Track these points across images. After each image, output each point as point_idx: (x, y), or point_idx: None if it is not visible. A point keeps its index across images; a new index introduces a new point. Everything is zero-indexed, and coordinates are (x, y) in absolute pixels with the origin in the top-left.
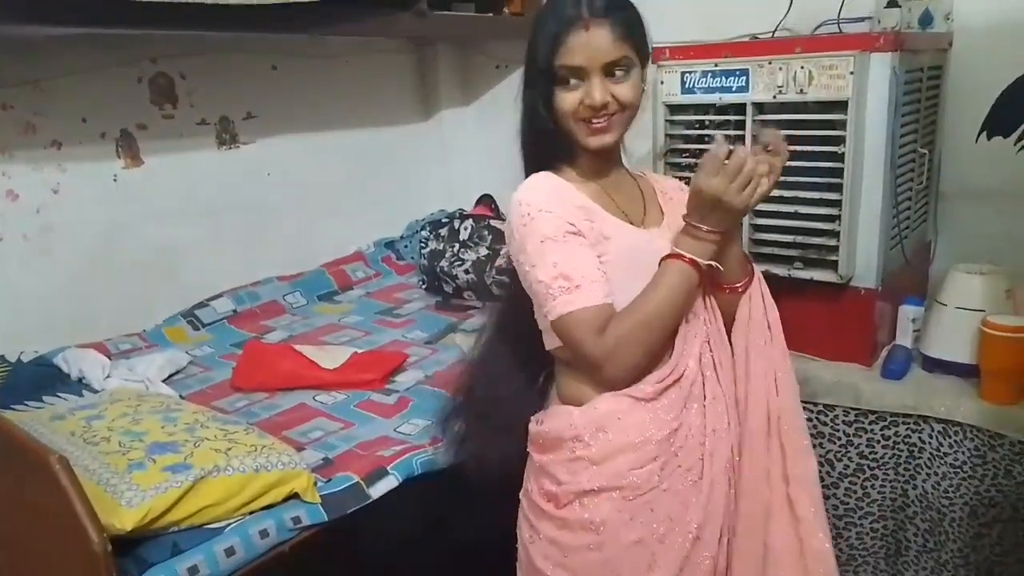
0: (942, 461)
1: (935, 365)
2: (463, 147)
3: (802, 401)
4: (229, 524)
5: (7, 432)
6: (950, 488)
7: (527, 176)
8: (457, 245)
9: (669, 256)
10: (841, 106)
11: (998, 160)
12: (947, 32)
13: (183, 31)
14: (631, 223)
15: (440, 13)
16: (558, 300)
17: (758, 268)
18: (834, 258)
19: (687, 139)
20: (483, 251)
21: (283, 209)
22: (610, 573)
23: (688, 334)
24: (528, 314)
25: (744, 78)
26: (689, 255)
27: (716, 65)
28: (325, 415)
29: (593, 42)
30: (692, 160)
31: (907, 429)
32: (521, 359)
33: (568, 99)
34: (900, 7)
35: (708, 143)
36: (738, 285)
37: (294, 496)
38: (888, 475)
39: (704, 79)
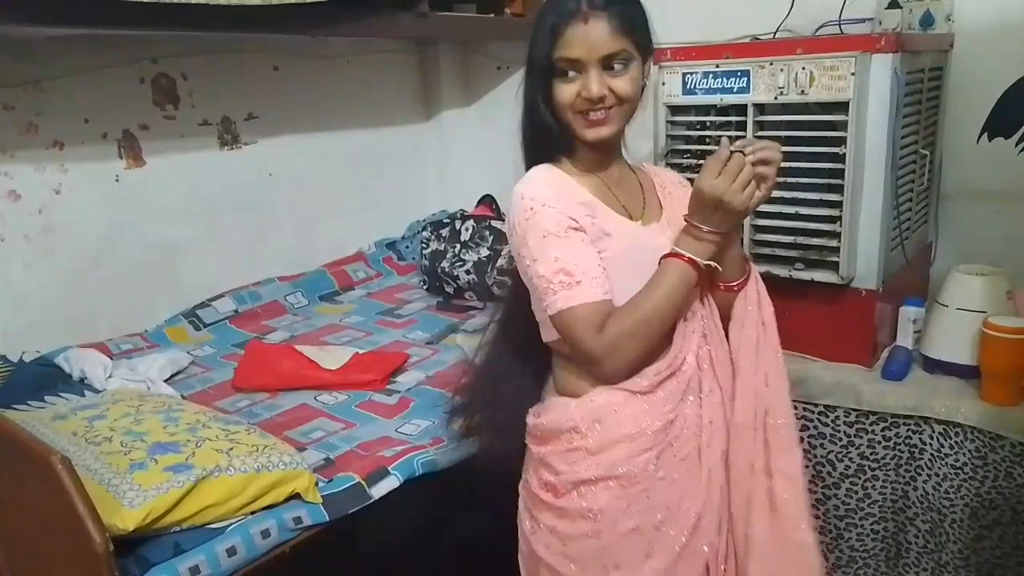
0: (943, 462)
1: (936, 366)
2: (464, 148)
3: (803, 402)
4: (231, 524)
5: (9, 432)
6: (951, 489)
7: (527, 169)
8: (458, 246)
9: (669, 255)
10: (842, 107)
11: (999, 161)
12: (948, 33)
13: (184, 32)
14: (631, 218)
15: (441, 14)
16: (558, 295)
17: (758, 269)
18: (835, 259)
19: (688, 140)
20: (484, 252)
21: (284, 209)
22: (608, 560)
23: (686, 330)
24: (531, 312)
25: (745, 79)
26: (689, 255)
27: (717, 66)
28: (326, 415)
29: (591, 35)
30: (693, 161)
31: (908, 430)
32: (525, 357)
33: (566, 91)
34: (901, 8)
35: (709, 144)
36: (735, 284)
37: (295, 496)
38: (889, 476)
39: (705, 80)
